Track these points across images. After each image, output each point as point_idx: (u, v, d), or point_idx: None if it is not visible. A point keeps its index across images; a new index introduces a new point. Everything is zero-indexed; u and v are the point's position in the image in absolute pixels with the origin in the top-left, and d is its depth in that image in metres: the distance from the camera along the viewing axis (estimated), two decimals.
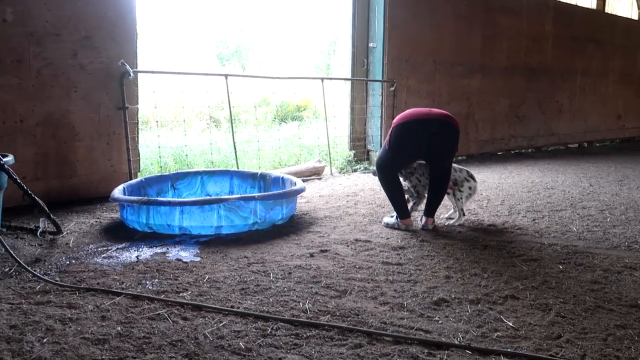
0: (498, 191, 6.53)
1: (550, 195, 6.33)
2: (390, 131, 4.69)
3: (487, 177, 7.60)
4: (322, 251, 4.01)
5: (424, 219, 4.73)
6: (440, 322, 2.81)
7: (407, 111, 4.75)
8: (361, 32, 8.40)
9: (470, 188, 4.89)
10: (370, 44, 8.40)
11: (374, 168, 4.96)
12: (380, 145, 8.26)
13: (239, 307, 2.94)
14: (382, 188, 4.84)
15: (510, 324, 2.78)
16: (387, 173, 4.71)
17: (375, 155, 8.35)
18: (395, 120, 4.70)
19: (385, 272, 3.57)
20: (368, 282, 3.37)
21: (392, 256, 3.92)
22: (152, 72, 6.86)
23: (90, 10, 5.40)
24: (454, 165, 4.91)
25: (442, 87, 9.19)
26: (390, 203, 4.78)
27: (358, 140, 8.54)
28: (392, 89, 8.30)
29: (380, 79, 8.31)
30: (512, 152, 10.86)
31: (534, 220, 5.09)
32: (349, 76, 8.52)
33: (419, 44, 8.72)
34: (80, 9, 5.34)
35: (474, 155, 9.96)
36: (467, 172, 4.94)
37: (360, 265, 3.70)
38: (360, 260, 3.82)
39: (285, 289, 3.23)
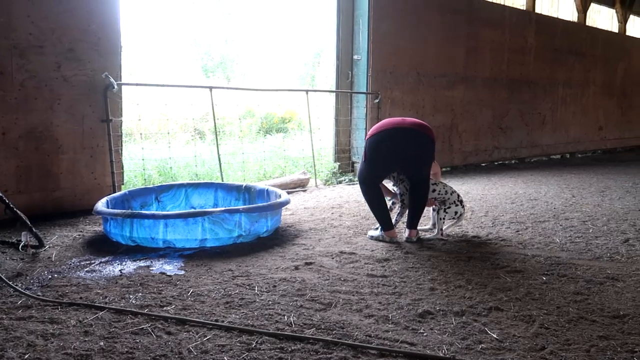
0: (482, 202, 6.57)
1: (533, 206, 6.38)
2: (365, 143, 4.72)
3: (470, 189, 7.65)
4: (307, 264, 4.00)
5: (407, 231, 4.74)
6: (425, 334, 2.81)
7: (381, 122, 4.79)
8: (346, 44, 8.44)
9: (456, 213, 4.87)
10: (355, 56, 8.45)
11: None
12: None
13: (223, 321, 2.92)
14: (364, 199, 4.84)
15: (495, 336, 2.79)
16: (367, 185, 4.73)
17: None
18: (369, 132, 4.75)
19: (370, 284, 3.57)
20: (353, 295, 3.37)
21: (377, 268, 3.92)
22: (137, 84, 6.84)
23: (74, 22, 5.38)
24: (449, 186, 4.93)
25: (426, 99, 9.26)
26: (375, 216, 4.79)
27: (343, 152, 8.56)
28: (377, 100, 8.34)
29: (365, 91, 8.35)
30: (496, 163, 10.94)
31: (517, 231, 5.12)
32: (334, 88, 8.55)
33: (403, 56, 8.78)
34: (63, 21, 5.32)
35: (457, 167, 10.03)
36: (458, 196, 4.92)
37: (345, 277, 3.70)
38: (345, 272, 3.82)
39: (270, 302, 3.22)
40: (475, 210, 6.09)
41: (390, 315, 3.05)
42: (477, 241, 4.76)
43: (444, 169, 9.60)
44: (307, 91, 8.14)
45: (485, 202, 6.63)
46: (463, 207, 4.91)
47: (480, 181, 8.47)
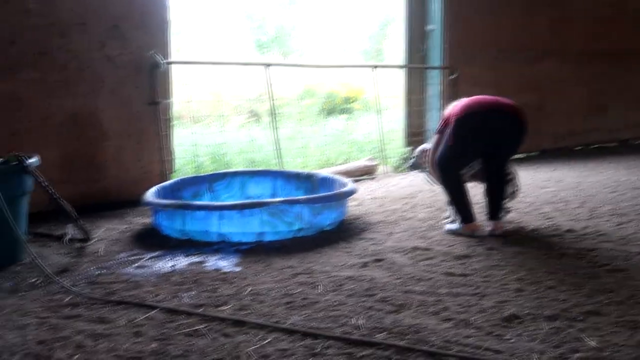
0: (577, 192, 6.41)
1: (637, 196, 6.18)
2: (452, 123, 4.63)
3: (563, 176, 7.47)
4: (376, 260, 4.01)
5: (490, 224, 4.68)
6: (511, 341, 2.78)
7: (469, 100, 4.71)
8: (417, 13, 8.34)
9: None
10: (428, 27, 8.34)
11: (413, 159, 5.06)
12: None
13: (284, 323, 2.97)
14: (443, 189, 4.81)
15: (593, 344, 2.74)
16: (449, 172, 4.68)
17: None
18: (456, 111, 4.64)
19: (448, 284, 3.55)
20: (429, 296, 3.36)
21: (456, 266, 3.89)
22: (186, 62, 7.00)
23: None
24: None
25: (509, 75, 9.05)
26: (455, 207, 4.73)
27: (415, 135, 8.47)
28: (453, 77, 8.22)
29: (439, 65, 8.25)
30: (592, 146, 10.61)
31: (618, 225, 4.97)
32: (404, 63, 8.48)
33: (483, 25, 8.61)
34: None
35: (547, 151, 9.78)
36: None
37: (419, 276, 3.69)
38: (420, 270, 3.81)
39: (336, 302, 3.25)
40: (569, 200, 5.95)
41: (471, 319, 3.03)
42: (571, 236, 4.65)
43: (531, 154, 9.40)
44: (373, 67, 8.12)
45: (580, 191, 6.46)
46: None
47: (575, 167, 8.26)
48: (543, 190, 6.47)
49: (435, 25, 8.27)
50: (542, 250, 4.25)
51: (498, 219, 4.68)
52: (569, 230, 4.80)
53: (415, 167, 5.23)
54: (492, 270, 3.81)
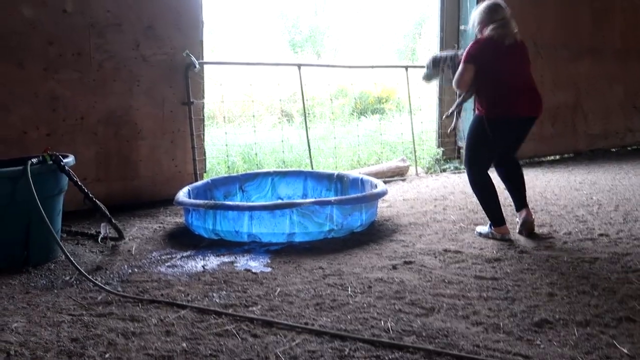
0: (611, 195, 6.32)
1: None
2: (484, 122, 4.49)
3: (598, 178, 7.37)
4: (406, 262, 4.01)
5: (523, 212, 4.72)
6: (542, 346, 2.76)
7: (501, 98, 4.55)
8: (451, 13, 8.30)
9: None
10: (462, 27, 8.29)
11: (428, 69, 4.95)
12: None
13: (313, 324, 2.98)
14: (472, 190, 4.79)
15: (626, 351, 2.70)
16: (480, 170, 4.64)
17: None
18: (493, 111, 4.48)
19: (478, 287, 3.53)
20: (458, 299, 3.35)
21: (487, 269, 3.87)
22: (220, 63, 7.06)
23: None
24: None
25: (545, 74, 8.94)
26: (485, 210, 4.69)
27: (447, 136, 8.42)
28: None
29: None
30: (629, 148, 10.45)
31: None
32: None
33: (518, 23, 8.46)
34: None
35: (582, 152, 9.65)
36: None
37: (449, 279, 3.68)
38: (450, 273, 3.79)
39: (365, 304, 3.26)
40: (604, 203, 5.87)
41: (501, 323, 3.01)
42: (604, 240, 4.59)
43: (565, 156, 9.30)
44: (406, 67, 8.09)
45: (615, 194, 6.37)
46: None
47: (610, 169, 8.14)
48: (577, 192, 6.39)
49: (469, 24, 8.19)
50: (574, 254, 4.20)
51: (527, 206, 4.74)
52: (602, 234, 4.73)
53: (429, 77, 5.06)
54: (523, 274, 3.78)
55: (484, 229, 4.71)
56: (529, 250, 4.28)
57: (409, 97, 7.93)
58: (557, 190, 6.49)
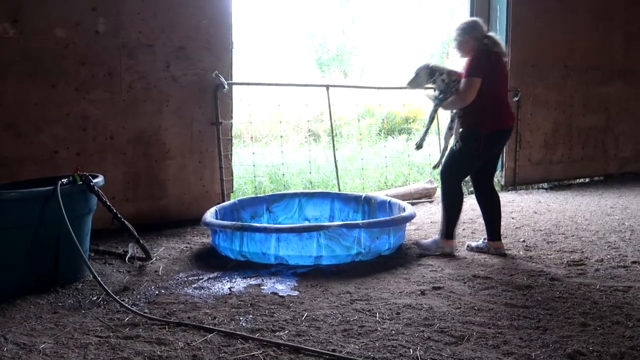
0: None
1: None
2: (479, 135, 4.60)
3: (630, 203, 7.25)
4: (434, 288, 3.96)
5: (496, 244, 4.88)
6: None
7: (498, 110, 4.68)
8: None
9: None
10: None
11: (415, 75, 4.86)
12: (500, 162, 8.11)
13: (341, 352, 2.94)
14: (441, 198, 4.89)
15: None
16: (457, 184, 4.81)
17: (497, 175, 8.18)
18: (488, 123, 4.60)
19: (508, 315, 3.47)
20: (489, 327, 3.29)
21: (517, 297, 3.81)
22: (249, 84, 7.08)
23: (184, 19, 5.65)
24: None
25: (575, 96, 8.87)
26: (445, 220, 4.83)
27: None
28: (516, 99, 8.10)
29: None
30: None
31: None
32: None
33: (548, 45, 8.47)
34: (174, 17, 5.60)
35: (613, 176, 9.53)
36: None
37: (479, 306, 3.62)
38: (480, 300, 3.74)
39: (394, 331, 3.21)
40: (636, 229, 5.76)
41: (533, 354, 2.95)
42: (638, 268, 4.49)
43: (595, 179, 9.18)
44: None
45: None
46: None
47: None
48: (608, 217, 6.29)
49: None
50: (607, 282, 4.12)
51: (500, 239, 4.90)
52: (635, 262, 4.64)
53: (418, 84, 4.90)
54: (555, 302, 3.71)
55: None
56: (560, 278, 4.20)
57: (437, 117, 7.88)
58: (588, 215, 6.39)
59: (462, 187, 4.85)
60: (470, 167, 4.80)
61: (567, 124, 8.81)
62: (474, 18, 4.79)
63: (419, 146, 4.87)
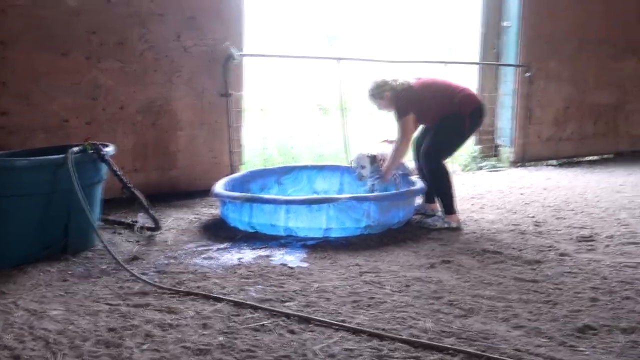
0: None
1: None
2: (466, 115, 4.79)
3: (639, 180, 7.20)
4: (443, 262, 3.94)
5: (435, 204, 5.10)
6: (586, 352, 2.68)
7: (470, 91, 4.97)
8: (493, 10, 8.15)
9: None
10: (504, 23, 8.14)
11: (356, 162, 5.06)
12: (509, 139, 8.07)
13: (350, 322, 2.94)
14: (434, 181, 4.92)
15: None
16: (444, 161, 4.91)
17: (507, 152, 8.14)
18: (467, 102, 4.82)
19: (518, 289, 3.46)
20: (498, 301, 3.28)
21: (526, 271, 3.79)
22: (260, 55, 7.00)
23: None
24: None
25: (589, 72, 8.74)
26: (442, 197, 4.90)
27: (485, 134, 8.31)
28: (528, 74, 8.01)
29: (514, 63, 8.04)
30: None
31: None
32: (477, 60, 8.31)
33: (562, 19, 8.32)
34: None
35: (623, 153, 9.44)
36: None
37: (488, 280, 3.61)
38: (489, 274, 3.72)
39: (403, 303, 3.21)
40: None
41: (542, 327, 2.94)
42: None
43: (604, 156, 9.10)
44: (445, 63, 7.99)
45: None
46: None
47: None
48: (618, 195, 6.23)
49: (511, 21, 8.05)
50: (617, 258, 4.09)
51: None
52: None
53: (361, 176, 5.07)
54: (565, 277, 3.69)
55: (436, 220, 4.90)
56: (569, 253, 4.18)
57: None
58: (598, 192, 6.34)
59: (445, 164, 4.94)
60: (456, 148, 5.06)
61: (579, 101, 8.70)
62: (374, 79, 4.94)
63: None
